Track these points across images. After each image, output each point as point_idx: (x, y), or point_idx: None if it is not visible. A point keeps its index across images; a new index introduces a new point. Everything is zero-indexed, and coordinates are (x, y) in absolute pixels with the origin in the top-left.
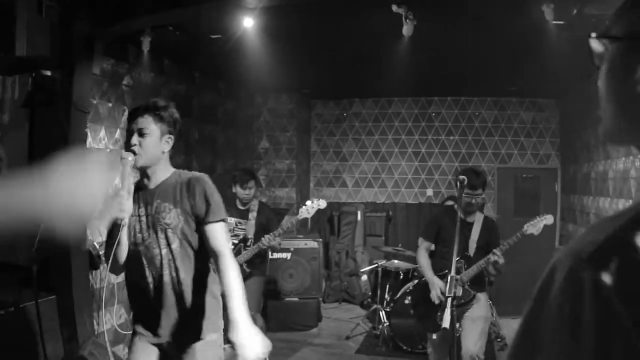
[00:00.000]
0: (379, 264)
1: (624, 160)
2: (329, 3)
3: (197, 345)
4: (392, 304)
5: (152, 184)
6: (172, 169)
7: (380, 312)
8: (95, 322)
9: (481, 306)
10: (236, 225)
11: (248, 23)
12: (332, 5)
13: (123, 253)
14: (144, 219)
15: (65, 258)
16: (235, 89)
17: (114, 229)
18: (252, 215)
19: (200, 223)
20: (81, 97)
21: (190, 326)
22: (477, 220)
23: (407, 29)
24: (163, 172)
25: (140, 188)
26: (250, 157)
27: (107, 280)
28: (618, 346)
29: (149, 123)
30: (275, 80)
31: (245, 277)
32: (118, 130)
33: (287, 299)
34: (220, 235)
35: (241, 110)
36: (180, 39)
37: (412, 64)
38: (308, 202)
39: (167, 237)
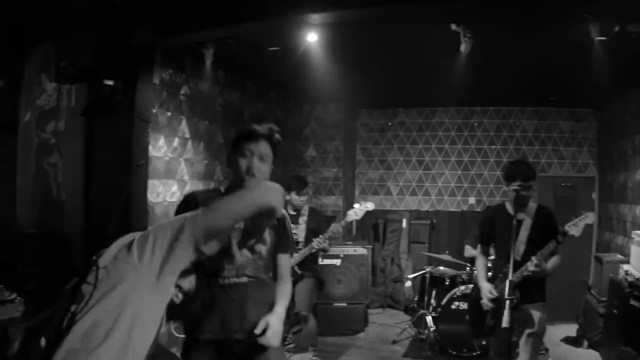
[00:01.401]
0: (426, 270)
1: None
2: (383, 20)
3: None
4: (439, 310)
5: None
6: None
7: (427, 317)
8: None
9: (534, 322)
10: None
11: (312, 38)
12: (385, 21)
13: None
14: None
15: None
16: (284, 98)
17: None
18: (303, 219)
19: (274, 250)
20: (143, 106)
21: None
22: (528, 214)
23: (465, 47)
24: None
25: None
26: (297, 165)
27: None
28: None
29: (267, 149)
30: (324, 90)
31: (297, 279)
32: (176, 139)
33: (335, 304)
34: (285, 263)
35: (290, 119)
36: (238, 51)
37: (458, 75)
38: (356, 205)
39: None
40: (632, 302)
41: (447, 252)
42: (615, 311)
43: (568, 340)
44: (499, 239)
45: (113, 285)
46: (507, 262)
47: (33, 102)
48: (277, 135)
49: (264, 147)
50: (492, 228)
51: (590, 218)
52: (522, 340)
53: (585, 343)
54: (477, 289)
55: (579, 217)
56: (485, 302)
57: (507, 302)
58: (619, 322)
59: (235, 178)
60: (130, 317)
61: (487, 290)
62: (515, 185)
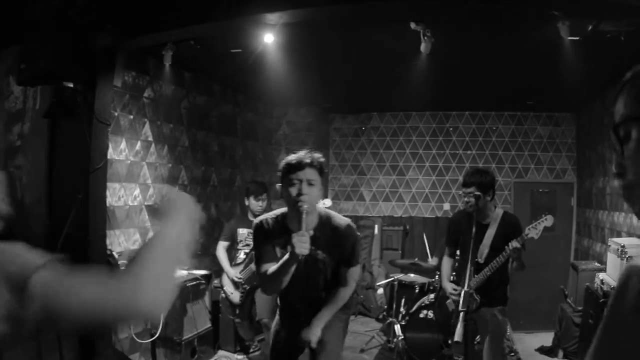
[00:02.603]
0: (396, 277)
1: None
2: (348, 19)
3: None
4: (407, 318)
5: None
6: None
7: (396, 326)
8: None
9: (495, 324)
10: (248, 235)
11: (269, 39)
12: (351, 21)
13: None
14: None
15: (84, 268)
16: (254, 101)
17: (289, 261)
18: None
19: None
20: (103, 108)
21: None
22: (494, 220)
23: (425, 47)
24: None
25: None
26: (268, 170)
27: None
28: None
29: (315, 175)
30: (295, 93)
31: (257, 285)
32: (139, 143)
33: None
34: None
35: (260, 123)
36: (200, 53)
37: (431, 78)
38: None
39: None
40: None
41: (416, 259)
42: (590, 321)
43: (543, 350)
44: (463, 243)
45: None
46: (470, 265)
47: (1, 104)
48: (321, 160)
49: (310, 174)
50: (458, 231)
51: (549, 221)
52: (486, 342)
53: (561, 353)
54: (440, 296)
55: (538, 220)
56: (452, 299)
57: (461, 314)
58: (594, 332)
59: (288, 206)
60: None
61: (450, 288)
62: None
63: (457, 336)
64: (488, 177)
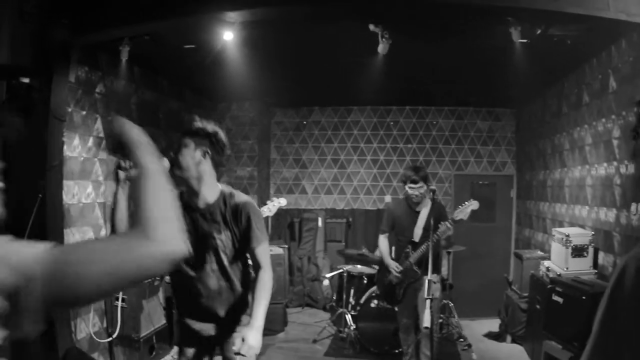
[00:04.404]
0: (344, 268)
1: (580, 169)
2: (300, 18)
3: None
4: (357, 308)
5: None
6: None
7: (346, 316)
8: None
9: (431, 289)
10: None
11: (228, 37)
12: (302, 19)
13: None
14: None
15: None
16: (199, 97)
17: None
18: None
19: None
20: (58, 104)
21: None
22: (425, 206)
23: (382, 48)
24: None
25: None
26: None
27: None
28: None
29: (187, 139)
30: (239, 88)
31: None
32: (91, 139)
33: None
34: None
35: (205, 119)
36: (153, 48)
37: (374, 74)
38: (268, 202)
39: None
40: (555, 298)
41: (363, 250)
42: (537, 306)
43: (491, 336)
44: (400, 226)
45: None
46: (407, 245)
47: None
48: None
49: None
50: (393, 217)
51: (474, 205)
52: (425, 305)
53: (509, 338)
54: (381, 269)
55: (464, 205)
56: (394, 275)
57: (428, 301)
58: (542, 317)
59: None
60: None
61: (393, 265)
62: (407, 186)
63: (426, 322)
64: (425, 171)
